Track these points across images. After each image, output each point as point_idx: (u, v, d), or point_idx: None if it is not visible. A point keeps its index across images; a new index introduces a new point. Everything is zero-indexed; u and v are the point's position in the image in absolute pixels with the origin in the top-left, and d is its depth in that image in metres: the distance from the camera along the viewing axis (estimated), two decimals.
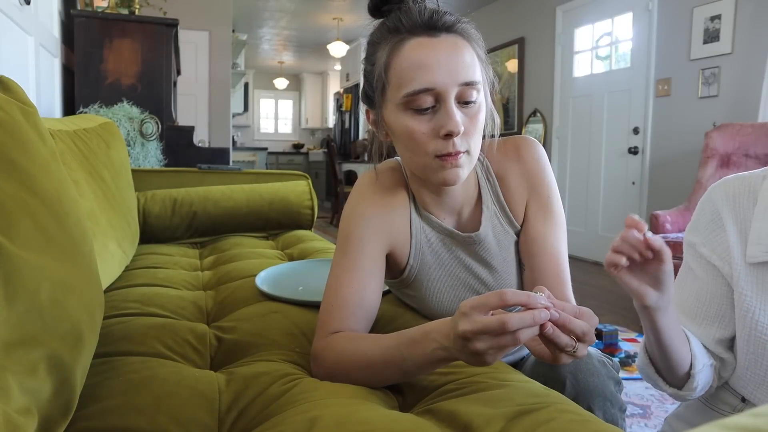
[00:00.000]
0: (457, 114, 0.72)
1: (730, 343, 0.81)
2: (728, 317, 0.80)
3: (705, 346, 0.81)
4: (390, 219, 0.85)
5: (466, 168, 0.76)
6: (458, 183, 0.77)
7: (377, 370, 0.71)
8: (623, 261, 0.66)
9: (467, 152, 0.75)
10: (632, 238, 0.64)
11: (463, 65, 0.73)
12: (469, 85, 0.73)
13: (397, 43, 0.74)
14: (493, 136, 0.84)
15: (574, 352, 0.58)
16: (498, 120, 0.84)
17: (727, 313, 0.80)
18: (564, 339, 0.57)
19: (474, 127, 0.75)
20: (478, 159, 0.88)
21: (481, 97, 0.76)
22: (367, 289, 0.81)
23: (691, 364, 0.78)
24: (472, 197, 0.87)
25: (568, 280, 0.85)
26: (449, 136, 0.72)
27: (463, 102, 0.74)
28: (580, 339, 0.58)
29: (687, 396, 0.81)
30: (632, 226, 0.66)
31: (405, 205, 0.87)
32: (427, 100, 0.73)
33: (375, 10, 0.81)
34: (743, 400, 0.80)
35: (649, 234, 0.65)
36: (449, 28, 0.74)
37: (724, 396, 0.83)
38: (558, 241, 0.85)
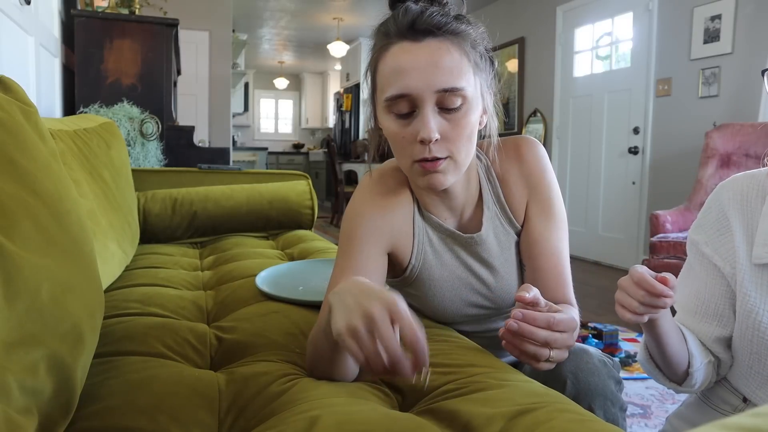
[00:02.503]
0: (434, 120, 0.72)
1: (729, 342, 0.81)
2: (727, 316, 0.80)
3: (703, 344, 0.81)
4: (391, 219, 0.85)
5: (450, 174, 0.76)
6: (443, 188, 0.77)
7: (324, 355, 0.71)
8: (646, 312, 0.66)
9: (450, 158, 0.74)
10: (653, 299, 0.65)
11: (442, 71, 0.71)
12: (450, 91, 0.71)
13: (383, 47, 0.75)
14: (499, 135, 0.84)
15: (549, 360, 0.60)
16: (496, 122, 0.83)
17: (725, 313, 0.80)
18: (530, 349, 0.60)
19: (457, 132, 0.73)
20: (479, 159, 0.88)
21: (469, 102, 0.74)
22: None
23: (689, 362, 0.78)
24: (474, 198, 0.87)
25: (569, 281, 0.85)
26: (423, 142, 0.73)
27: (445, 108, 0.73)
28: (548, 346, 0.60)
29: (687, 391, 0.82)
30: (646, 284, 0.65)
31: (408, 206, 0.87)
32: (405, 106, 0.73)
33: (393, 4, 0.80)
34: (745, 400, 0.80)
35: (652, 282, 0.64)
36: (436, 32, 0.72)
37: (726, 395, 0.83)
38: (559, 242, 0.85)
